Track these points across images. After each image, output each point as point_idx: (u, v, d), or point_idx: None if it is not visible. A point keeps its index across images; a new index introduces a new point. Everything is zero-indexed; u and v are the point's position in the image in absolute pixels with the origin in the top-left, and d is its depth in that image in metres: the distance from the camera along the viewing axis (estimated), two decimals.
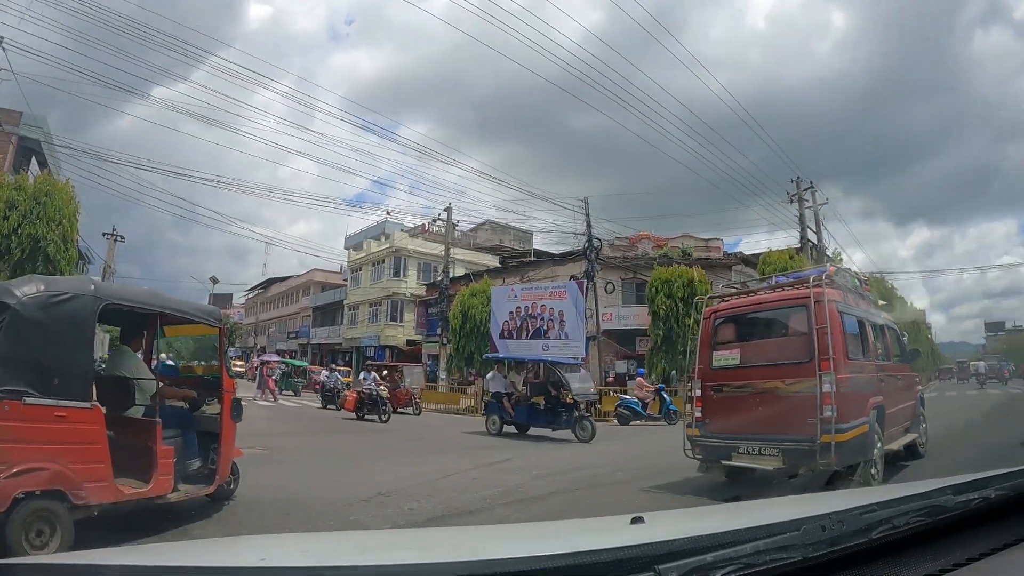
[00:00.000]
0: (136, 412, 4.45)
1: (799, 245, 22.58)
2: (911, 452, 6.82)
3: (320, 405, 18.97)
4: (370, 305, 37.23)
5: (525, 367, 14.07)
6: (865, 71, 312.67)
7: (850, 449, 5.11)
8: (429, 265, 34.82)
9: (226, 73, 47.35)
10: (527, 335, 21.76)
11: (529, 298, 22.33)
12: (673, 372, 18.53)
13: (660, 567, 1.00)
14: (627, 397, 16.05)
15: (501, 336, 22.20)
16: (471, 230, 38.47)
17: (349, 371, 28.15)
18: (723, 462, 5.88)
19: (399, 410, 16.71)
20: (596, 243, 22.31)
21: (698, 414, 6.12)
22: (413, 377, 19.91)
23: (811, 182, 23.34)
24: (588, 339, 21.11)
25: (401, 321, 35.42)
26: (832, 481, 4.91)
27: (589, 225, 22.31)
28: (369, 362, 25.45)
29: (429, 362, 29.07)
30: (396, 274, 35.96)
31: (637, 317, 22.86)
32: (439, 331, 26.76)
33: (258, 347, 49.49)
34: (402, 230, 36.58)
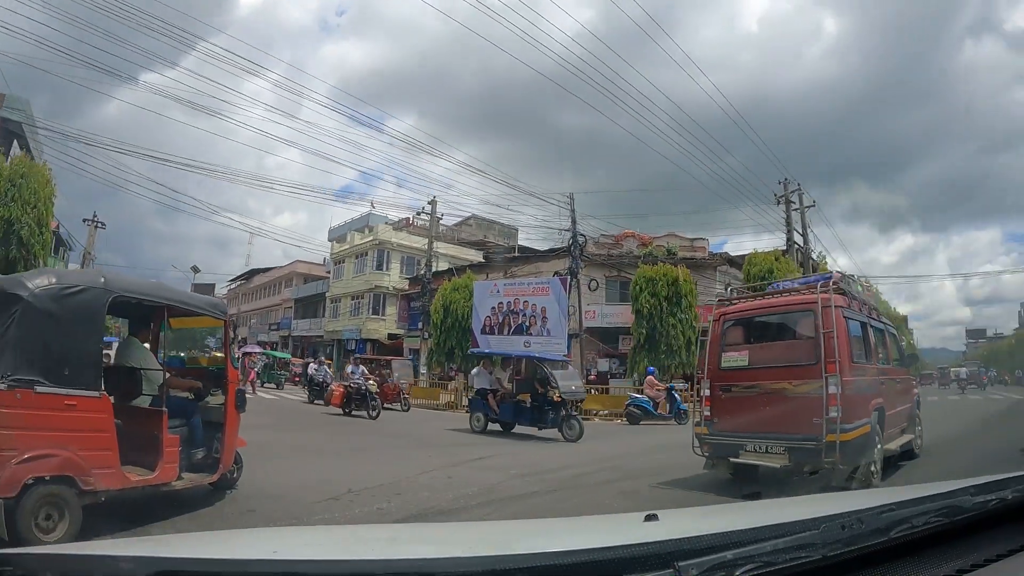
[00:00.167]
0: (143, 401, 4.55)
1: (785, 247, 22.81)
2: (906, 453, 7.01)
3: (307, 399, 18.40)
4: (352, 298, 36.96)
5: (511, 363, 13.64)
6: (856, 77, 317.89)
7: (853, 448, 5.34)
8: (413, 259, 34.59)
9: (216, 59, 46.50)
10: (509, 331, 21.57)
11: (512, 293, 22.15)
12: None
13: (680, 564, 1.00)
14: (639, 396, 15.78)
15: (483, 331, 22.03)
16: (456, 224, 38.42)
17: (330, 364, 27.95)
18: (730, 459, 6.05)
19: (386, 406, 16.15)
20: (581, 240, 22.36)
21: (707, 413, 6.27)
22: (402, 371, 19.34)
23: (798, 184, 23.45)
24: (570, 336, 21.09)
25: (383, 315, 35.22)
26: (833, 479, 5.12)
27: (574, 221, 22.36)
28: (357, 355, 25.12)
29: (410, 356, 28.97)
30: (379, 267, 35.77)
31: (620, 315, 22.90)
32: (420, 325, 26.56)
33: (239, 338, 48.80)
34: (386, 223, 36.29)
